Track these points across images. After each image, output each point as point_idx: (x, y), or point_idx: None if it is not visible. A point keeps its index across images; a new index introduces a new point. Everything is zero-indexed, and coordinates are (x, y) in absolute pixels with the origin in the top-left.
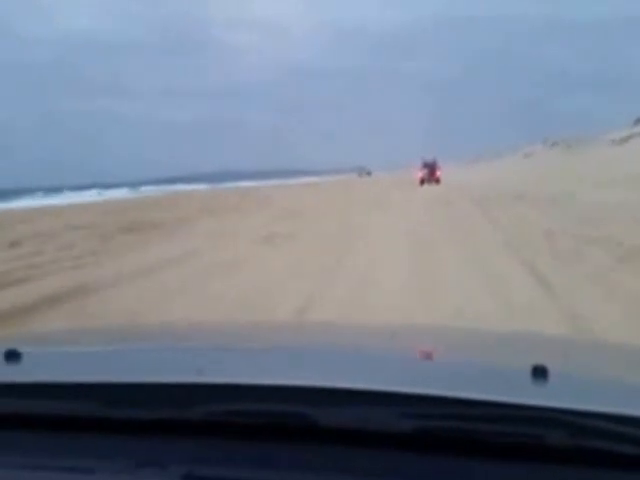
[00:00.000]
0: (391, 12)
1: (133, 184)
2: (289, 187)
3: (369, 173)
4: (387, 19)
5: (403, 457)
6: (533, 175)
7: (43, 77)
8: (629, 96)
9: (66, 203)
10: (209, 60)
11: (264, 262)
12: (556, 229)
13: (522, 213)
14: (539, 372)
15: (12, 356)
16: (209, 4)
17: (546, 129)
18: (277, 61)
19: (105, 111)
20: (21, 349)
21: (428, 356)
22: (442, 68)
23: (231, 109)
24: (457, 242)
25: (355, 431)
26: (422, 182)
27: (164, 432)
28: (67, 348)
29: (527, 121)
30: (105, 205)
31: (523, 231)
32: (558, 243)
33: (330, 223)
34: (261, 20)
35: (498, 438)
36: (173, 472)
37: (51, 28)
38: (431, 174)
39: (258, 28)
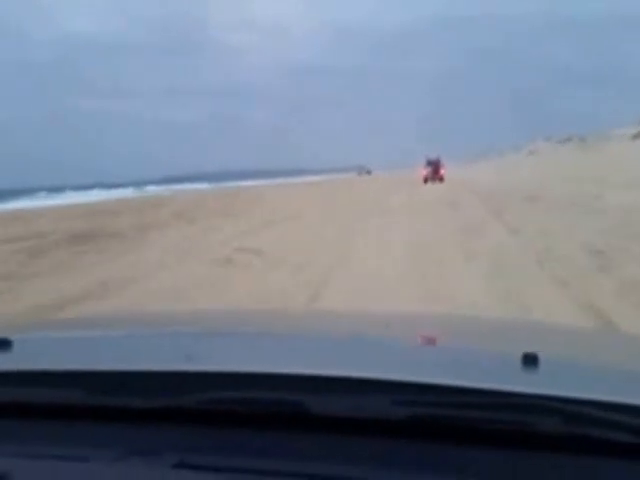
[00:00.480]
0: (392, 11)
1: (138, 183)
2: (287, 186)
3: (369, 172)
4: (388, 18)
5: (395, 444)
6: (544, 173)
7: (46, 77)
8: (628, 94)
9: (42, 205)
10: (209, 60)
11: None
12: (599, 244)
13: (544, 219)
14: (530, 360)
15: (3, 344)
16: (209, 4)
17: (546, 127)
18: (278, 61)
19: (107, 111)
20: (12, 337)
21: (421, 344)
22: (442, 67)
23: (233, 109)
24: (473, 263)
25: (348, 419)
26: (426, 180)
27: (157, 420)
28: (58, 336)
29: (527, 119)
30: (81, 208)
31: (556, 245)
32: (615, 268)
33: (315, 232)
34: (261, 20)
35: (489, 425)
36: (165, 460)
37: (52, 29)
38: (435, 172)
39: (258, 28)
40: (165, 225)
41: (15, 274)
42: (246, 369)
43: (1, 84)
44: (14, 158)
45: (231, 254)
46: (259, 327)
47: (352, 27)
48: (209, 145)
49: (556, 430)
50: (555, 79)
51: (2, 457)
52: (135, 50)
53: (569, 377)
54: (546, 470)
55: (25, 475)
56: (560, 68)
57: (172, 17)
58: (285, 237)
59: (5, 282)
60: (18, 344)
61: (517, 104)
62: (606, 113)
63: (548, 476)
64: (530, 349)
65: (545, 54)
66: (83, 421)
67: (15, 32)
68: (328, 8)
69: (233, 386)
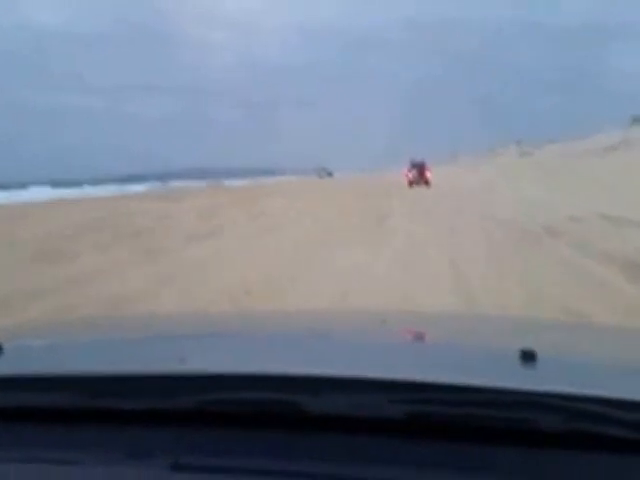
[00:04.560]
0: (361, 13)
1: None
2: (221, 192)
3: (330, 174)
4: (357, 20)
5: (393, 443)
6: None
7: (7, 68)
8: (597, 101)
9: None
10: (175, 56)
11: None
12: None
13: None
14: (528, 356)
15: None
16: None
17: (514, 132)
18: (245, 59)
19: (71, 106)
20: (3, 341)
21: (418, 342)
22: (411, 71)
23: (196, 106)
24: None
25: (344, 418)
26: (411, 184)
27: (151, 422)
28: (51, 340)
29: (493, 124)
30: None
31: None
32: None
33: None
34: (229, 17)
35: (487, 423)
36: (161, 462)
37: (14, 18)
38: (420, 175)
39: (226, 25)
40: None
41: None
42: (241, 370)
43: None
44: None
45: None
46: (253, 328)
47: (323, 27)
48: (164, 143)
49: (554, 426)
50: (525, 85)
51: None
52: (98, 43)
53: (567, 373)
54: (545, 467)
55: (21, 479)
56: (529, 74)
57: (139, 11)
58: None
59: None
60: (11, 348)
61: (485, 108)
62: (579, 118)
63: (548, 472)
64: (528, 346)
65: (514, 60)
66: (77, 424)
67: None
68: (296, 7)
69: (228, 387)
